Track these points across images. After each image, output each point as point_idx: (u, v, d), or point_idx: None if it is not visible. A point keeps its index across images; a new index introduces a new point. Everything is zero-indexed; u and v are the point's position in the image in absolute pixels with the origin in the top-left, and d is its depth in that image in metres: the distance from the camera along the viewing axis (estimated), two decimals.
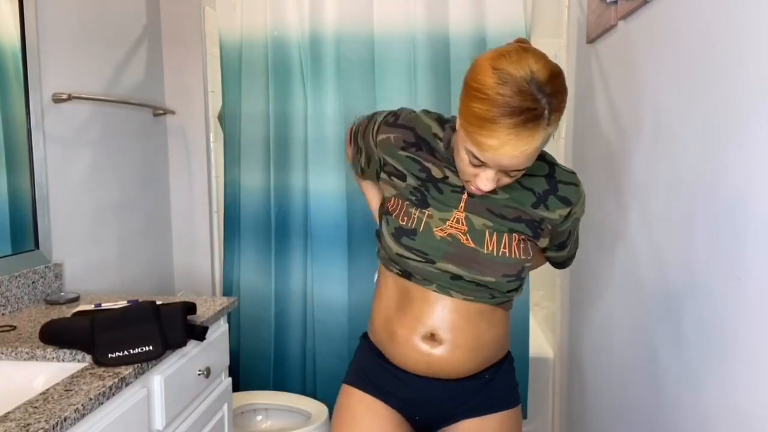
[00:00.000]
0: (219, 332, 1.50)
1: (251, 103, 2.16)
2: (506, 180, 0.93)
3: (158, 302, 1.27)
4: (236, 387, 2.18)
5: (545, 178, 1.04)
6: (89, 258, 1.77)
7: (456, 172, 1.02)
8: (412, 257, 1.02)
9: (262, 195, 2.21)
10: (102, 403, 0.99)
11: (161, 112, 2.16)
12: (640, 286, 1.32)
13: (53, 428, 0.86)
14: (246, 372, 2.26)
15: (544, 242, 1.07)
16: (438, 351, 1.04)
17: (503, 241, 1.01)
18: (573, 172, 1.07)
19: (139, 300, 1.41)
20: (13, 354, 1.16)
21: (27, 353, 1.15)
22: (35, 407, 0.91)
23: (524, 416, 2.19)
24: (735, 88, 0.91)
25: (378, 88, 2.06)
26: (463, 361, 1.06)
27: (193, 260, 2.30)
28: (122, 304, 1.37)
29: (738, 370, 0.91)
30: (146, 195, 2.11)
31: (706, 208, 1.00)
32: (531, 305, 2.17)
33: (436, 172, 1.04)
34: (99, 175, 1.82)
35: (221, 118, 2.28)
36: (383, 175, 1.10)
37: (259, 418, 2.07)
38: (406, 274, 1.06)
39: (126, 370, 1.06)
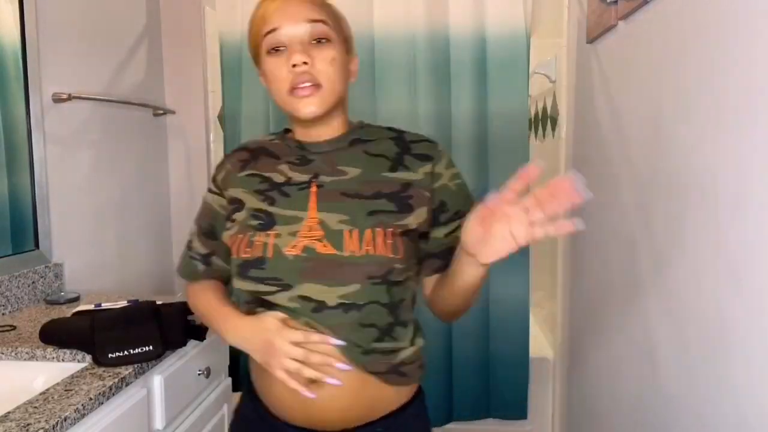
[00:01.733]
0: None
1: (251, 103, 2.16)
2: (316, 54, 0.87)
3: (158, 302, 1.27)
4: (236, 387, 2.18)
5: (393, 141, 0.96)
6: (89, 258, 1.77)
7: (299, 168, 0.94)
8: (267, 289, 0.87)
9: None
10: (102, 403, 0.99)
11: (161, 112, 2.16)
12: (640, 286, 1.32)
13: (53, 428, 0.86)
14: (246, 372, 2.25)
15: (419, 217, 0.90)
16: (316, 397, 0.86)
17: (365, 238, 0.86)
18: (427, 136, 0.99)
19: (139, 300, 1.41)
20: (13, 354, 1.16)
21: (27, 353, 1.15)
22: (35, 407, 0.91)
23: (524, 416, 2.19)
24: (735, 87, 0.91)
25: (378, 88, 2.06)
26: (345, 408, 0.88)
27: None
28: (122, 304, 1.37)
29: (738, 370, 0.91)
30: (146, 195, 2.11)
31: (706, 207, 1.00)
32: (531, 305, 2.17)
33: (278, 177, 0.94)
34: (99, 175, 1.82)
35: (221, 118, 2.28)
36: (228, 223, 0.96)
37: None
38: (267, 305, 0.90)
39: (126, 370, 1.06)
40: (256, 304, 0.90)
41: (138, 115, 2.06)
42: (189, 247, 1.05)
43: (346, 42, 0.93)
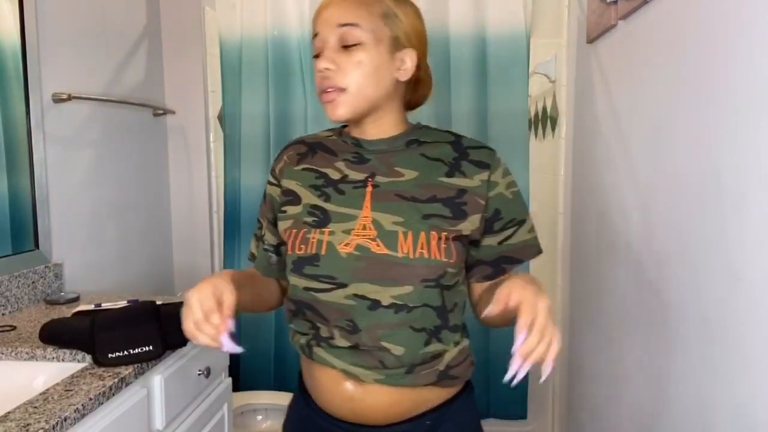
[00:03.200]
0: None
1: (251, 103, 2.16)
2: (345, 58, 0.87)
3: (158, 302, 1.27)
4: (236, 387, 2.18)
5: (451, 146, 0.95)
6: (89, 258, 1.77)
7: (355, 166, 0.95)
8: (321, 286, 0.89)
9: (262, 195, 2.21)
10: (102, 403, 0.99)
11: (161, 112, 2.16)
12: (640, 286, 1.32)
13: (53, 428, 0.86)
14: (246, 372, 2.26)
15: (472, 224, 0.90)
16: (360, 392, 0.89)
17: (420, 241, 0.87)
18: (485, 143, 0.98)
19: (139, 300, 1.41)
20: (13, 354, 1.16)
21: (27, 353, 1.15)
22: (35, 407, 0.91)
23: (524, 416, 2.19)
24: (735, 87, 0.91)
25: None
26: (390, 405, 0.90)
27: (193, 260, 2.30)
28: (122, 304, 1.37)
29: (738, 370, 0.91)
30: (146, 195, 2.11)
31: (706, 207, 1.00)
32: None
33: (334, 174, 0.95)
34: (99, 175, 1.82)
35: (221, 118, 2.28)
36: (279, 215, 0.98)
37: (259, 418, 2.07)
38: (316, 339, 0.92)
39: (126, 370, 1.06)
40: (310, 301, 0.91)
41: (138, 115, 2.06)
42: (261, 240, 1.05)
43: (393, 40, 0.90)
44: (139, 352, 1.10)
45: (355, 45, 0.87)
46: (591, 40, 1.70)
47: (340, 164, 0.95)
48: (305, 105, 2.12)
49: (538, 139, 2.63)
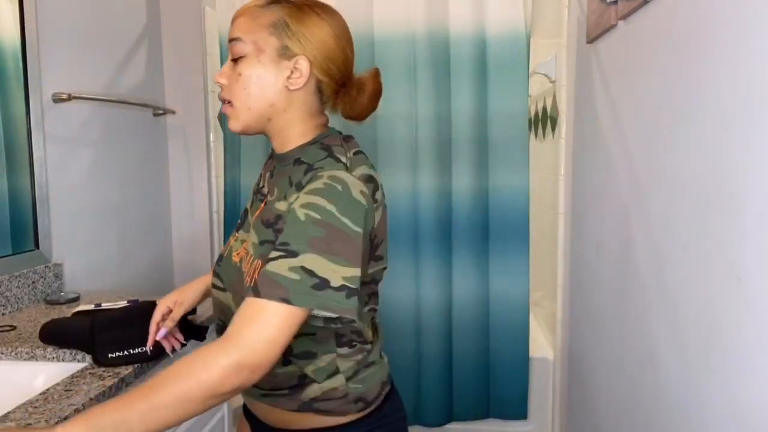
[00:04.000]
0: None
1: None
2: (232, 73, 0.88)
3: (158, 302, 1.27)
4: None
5: (307, 166, 0.88)
6: (89, 258, 1.77)
7: (270, 179, 0.97)
8: (217, 284, 0.95)
9: None
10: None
11: (161, 112, 2.16)
12: (640, 286, 1.32)
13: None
14: None
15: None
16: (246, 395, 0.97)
17: (253, 268, 0.85)
18: (329, 166, 0.84)
19: (139, 300, 1.41)
20: (13, 354, 1.16)
21: (27, 353, 1.15)
22: (35, 407, 0.91)
23: (524, 416, 2.19)
24: (735, 87, 0.91)
25: None
26: (266, 412, 0.96)
27: (193, 260, 2.30)
28: (122, 304, 1.37)
29: (738, 370, 0.91)
30: (146, 195, 2.11)
31: (706, 207, 1.00)
32: (531, 305, 2.17)
33: (261, 183, 1.00)
34: (99, 175, 1.82)
35: (221, 118, 2.28)
36: None
37: None
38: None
39: (126, 370, 1.06)
40: (215, 296, 0.98)
41: (138, 115, 2.06)
42: None
43: (281, 49, 0.86)
44: (139, 352, 1.10)
45: (239, 58, 0.88)
46: (591, 40, 1.70)
47: (267, 175, 1.00)
48: None
49: (538, 139, 2.63)
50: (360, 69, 0.99)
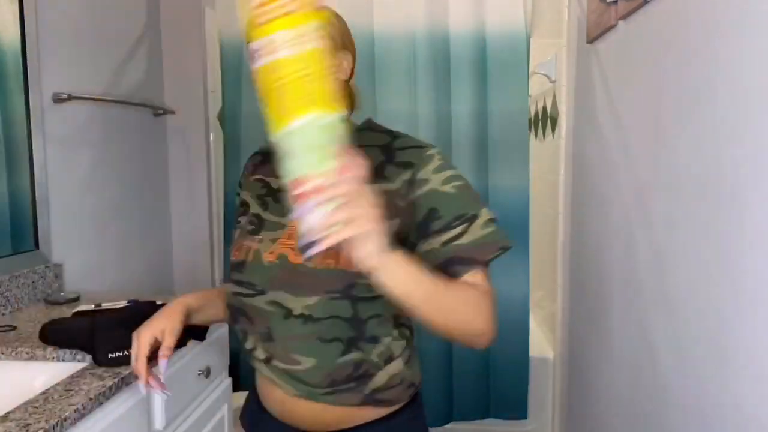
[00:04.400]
0: (219, 332, 1.50)
1: (251, 103, 2.16)
2: None
3: (158, 302, 1.27)
4: (236, 387, 2.18)
5: (381, 149, 0.91)
6: (89, 258, 1.77)
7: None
8: (245, 291, 0.91)
9: None
10: (102, 403, 0.98)
11: (161, 112, 2.16)
12: (640, 286, 1.32)
13: (53, 428, 0.86)
14: (246, 372, 2.26)
15: (389, 229, 0.77)
16: (290, 401, 0.91)
17: (331, 251, 0.76)
18: (421, 142, 0.90)
19: (139, 300, 1.41)
20: (13, 354, 1.16)
21: (27, 353, 1.15)
22: (35, 407, 0.91)
23: (524, 416, 2.19)
24: (735, 87, 0.91)
25: (378, 88, 2.06)
26: (315, 415, 0.90)
27: (193, 260, 2.30)
28: (122, 304, 1.37)
29: (738, 370, 0.91)
30: (146, 195, 2.11)
31: (706, 208, 1.00)
32: (531, 305, 2.17)
33: (275, 183, 0.96)
34: (99, 175, 1.82)
35: (221, 118, 2.28)
36: (235, 225, 1.00)
37: None
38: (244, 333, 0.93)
39: (126, 370, 1.06)
40: (239, 305, 0.93)
41: (138, 115, 2.06)
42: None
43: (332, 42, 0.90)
44: None
45: None
46: (591, 40, 1.70)
47: (273, 175, 0.96)
48: None
49: (538, 139, 2.63)
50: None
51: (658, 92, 1.21)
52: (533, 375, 2.20)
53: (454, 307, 0.79)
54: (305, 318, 0.85)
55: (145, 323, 0.95)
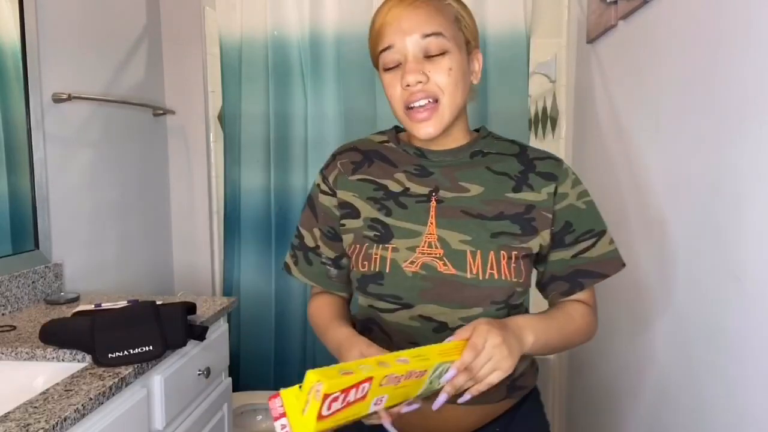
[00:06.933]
0: (219, 332, 1.50)
1: (251, 103, 2.16)
2: (432, 67, 0.83)
3: (158, 302, 1.27)
4: (236, 387, 2.18)
5: (516, 158, 0.91)
6: (89, 258, 1.77)
7: (417, 179, 0.90)
8: (386, 306, 0.87)
9: (262, 195, 2.21)
10: (102, 403, 0.98)
11: (161, 112, 2.16)
12: (640, 286, 1.32)
13: (53, 428, 0.86)
14: (246, 372, 2.26)
15: (543, 240, 0.87)
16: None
17: (489, 260, 0.83)
18: (551, 153, 0.94)
19: (139, 300, 1.41)
20: (13, 354, 1.16)
21: (27, 353, 1.15)
22: (35, 407, 0.91)
23: None
24: (735, 87, 0.91)
25: (378, 88, 2.06)
26: (460, 418, 0.88)
27: (193, 260, 2.30)
28: (122, 304, 1.37)
29: (738, 370, 0.91)
30: (146, 195, 2.11)
31: (706, 208, 1.00)
32: (531, 306, 2.17)
33: (394, 186, 0.90)
34: (99, 175, 1.82)
35: (221, 118, 2.28)
36: (340, 228, 0.94)
37: (259, 418, 2.07)
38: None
39: (126, 370, 1.06)
40: (373, 319, 0.90)
41: (138, 115, 2.06)
42: (313, 252, 0.99)
43: (468, 43, 0.88)
44: (139, 352, 1.10)
45: (441, 54, 0.83)
46: (591, 40, 1.70)
47: (401, 176, 0.91)
48: (305, 105, 2.12)
49: (538, 139, 2.63)
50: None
51: (658, 92, 1.21)
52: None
53: (573, 338, 0.89)
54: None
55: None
